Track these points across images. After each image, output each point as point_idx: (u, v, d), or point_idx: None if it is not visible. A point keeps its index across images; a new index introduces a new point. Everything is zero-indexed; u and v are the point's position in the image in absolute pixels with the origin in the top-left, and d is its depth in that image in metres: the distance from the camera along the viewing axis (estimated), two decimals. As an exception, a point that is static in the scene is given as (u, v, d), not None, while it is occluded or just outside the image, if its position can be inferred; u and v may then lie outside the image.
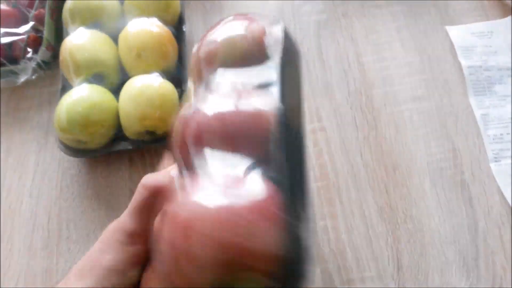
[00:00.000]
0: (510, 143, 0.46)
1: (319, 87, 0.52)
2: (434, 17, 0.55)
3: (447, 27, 0.54)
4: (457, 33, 0.53)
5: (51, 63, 0.55)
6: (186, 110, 0.26)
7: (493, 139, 0.47)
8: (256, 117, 0.24)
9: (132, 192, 0.31)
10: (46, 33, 0.54)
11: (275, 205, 0.21)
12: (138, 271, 0.25)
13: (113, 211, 0.47)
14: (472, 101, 0.49)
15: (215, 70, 0.28)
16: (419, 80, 0.51)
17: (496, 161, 0.45)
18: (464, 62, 0.51)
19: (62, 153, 0.48)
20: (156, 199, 0.25)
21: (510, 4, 0.52)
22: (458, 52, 0.51)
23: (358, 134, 0.48)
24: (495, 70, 0.50)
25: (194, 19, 0.58)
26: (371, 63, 0.52)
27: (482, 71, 0.50)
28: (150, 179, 0.26)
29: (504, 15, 0.54)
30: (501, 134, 0.47)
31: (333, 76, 0.52)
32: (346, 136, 0.48)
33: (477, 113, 0.48)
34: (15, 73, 0.53)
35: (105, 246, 0.25)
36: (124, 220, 0.25)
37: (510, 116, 0.47)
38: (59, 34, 0.54)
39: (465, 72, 0.50)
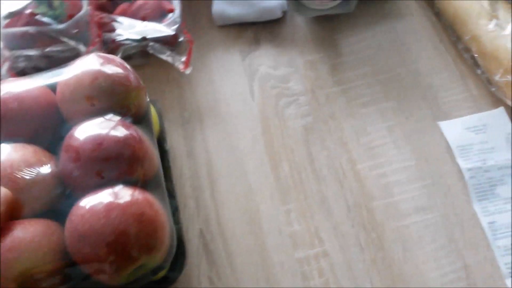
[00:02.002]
0: (522, 254, 0.44)
1: (316, 203, 0.49)
2: (425, 112, 0.53)
3: (440, 123, 0.52)
4: (451, 129, 0.51)
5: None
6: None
7: (504, 250, 0.44)
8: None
9: None
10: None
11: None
12: None
13: None
14: (477, 208, 0.47)
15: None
16: (419, 187, 0.49)
17: (511, 277, 0.43)
18: (463, 164, 0.49)
19: None
20: None
21: (503, 92, 0.51)
22: (455, 152, 0.50)
23: (365, 256, 0.46)
24: (495, 170, 0.48)
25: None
26: (367, 171, 0.50)
27: (482, 172, 0.48)
28: None
29: (495, 105, 0.52)
30: (512, 244, 0.45)
31: (328, 189, 0.50)
32: (352, 259, 0.46)
33: (483, 222, 0.46)
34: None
35: None
36: None
37: (518, 222, 0.46)
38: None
39: (465, 175, 0.48)
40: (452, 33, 0.57)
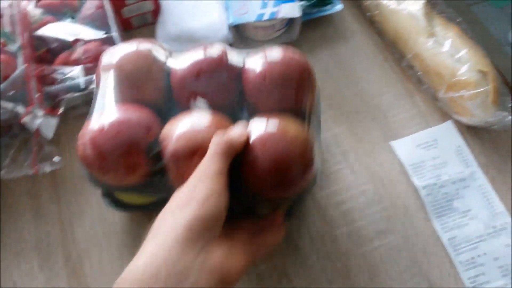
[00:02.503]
0: (484, 266, 0.45)
1: (280, 238, 0.48)
2: (376, 134, 0.54)
3: (391, 143, 0.52)
4: (403, 148, 0.52)
5: None
6: None
7: (466, 265, 0.45)
8: None
9: None
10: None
11: None
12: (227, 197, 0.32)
13: None
14: (436, 225, 0.47)
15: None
16: (379, 211, 0.49)
17: (475, 291, 0.44)
18: (417, 182, 0.49)
19: None
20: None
21: (448, 107, 0.52)
22: (409, 171, 0.50)
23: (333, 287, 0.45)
24: (450, 185, 0.49)
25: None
26: (326, 199, 0.50)
27: (437, 188, 0.49)
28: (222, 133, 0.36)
29: (444, 119, 0.53)
30: (473, 258, 0.45)
31: (292, 221, 0.49)
32: (320, 292, 0.45)
33: (444, 238, 0.47)
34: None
35: (198, 181, 0.32)
36: (208, 164, 0.33)
37: (477, 235, 0.46)
38: None
39: (421, 193, 0.49)
40: (395, 51, 0.58)
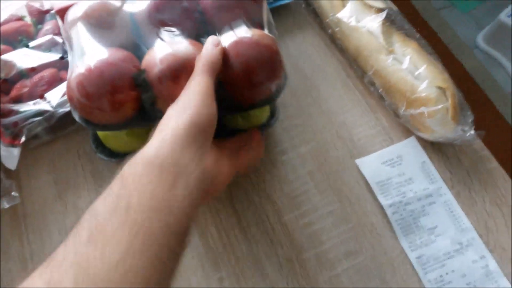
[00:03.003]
0: (452, 284, 0.45)
1: (248, 264, 0.48)
2: (342, 152, 0.53)
3: (357, 161, 0.52)
4: (368, 166, 0.52)
5: None
6: None
7: (435, 283, 0.45)
8: None
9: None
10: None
11: None
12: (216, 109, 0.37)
13: None
14: (403, 243, 0.47)
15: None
16: (346, 231, 0.48)
17: (444, 309, 0.44)
18: (383, 201, 0.49)
19: None
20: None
21: (410, 124, 0.52)
22: (375, 189, 0.50)
23: (302, 314, 0.45)
24: (415, 202, 0.49)
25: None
26: (294, 221, 0.49)
27: (403, 206, 0.49)
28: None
29: (407, 135, 0.53)
30: (441, 276, 0.45)
31: (259, 247, 0.48)
32: (290, 319, 0.45)
33: (412, 257, 0.46)
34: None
35: (191, 95, 0.37)
36: (197, 81, 0.38)
37: (444, 252, 0.46)
38: None
39: (388, 211, 0.49)
40: (357, 68, 0.58)
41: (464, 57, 1.02)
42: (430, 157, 0.52)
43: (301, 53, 0.62)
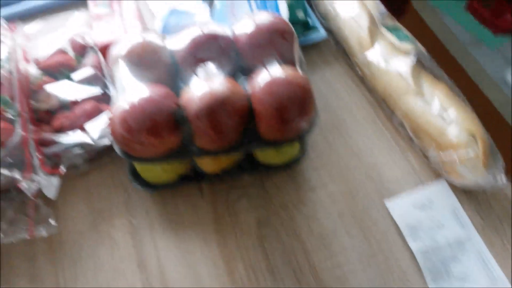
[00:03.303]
0: (483, 334, 0.44)
1: (275, 304, 0.48)
2: (371, 192, 0.54)
3: (387, 202, 0.52)
4: (398, 208, 0.52)
5: None
6: None
7: (465, 332, 0.44)
8: None
9: None
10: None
11: None
12: None
13: None
14: (433, 289, 0.47)
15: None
16: (374, 275, 0.48)
17: None
18: (413, 245, 0.49)
19: None
20: None
21: (440, 167, 0.52)
22: (405, 232, 0.50)
23: None
24: (446, 247, 0.49)
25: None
26: (322, 262, 0.50)
27: (434, 251, 0.49)
28: None
29: (438, 178, 0.54)
30: (472, 325, 0.45)
31: (286, 287, 0.49)
32: None
33: (442, 304, 0.46)
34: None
35: None
36: None
37: (474, 301, 0.46)
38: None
39: (418, 257, 0.49)
40: (386, 108, 0.58)
41: (492, 93, 1.02)
42: (460, 202, 0.52)
43: (329, 90, 0.63)
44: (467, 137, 0.48)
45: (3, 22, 0.64)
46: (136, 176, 0.54)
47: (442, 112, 0.51)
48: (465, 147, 0.48)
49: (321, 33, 0.65)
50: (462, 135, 0.49)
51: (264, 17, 0.51)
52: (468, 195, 0.52)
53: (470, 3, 1.62)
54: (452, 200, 0.52)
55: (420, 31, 0.66)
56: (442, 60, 0.58)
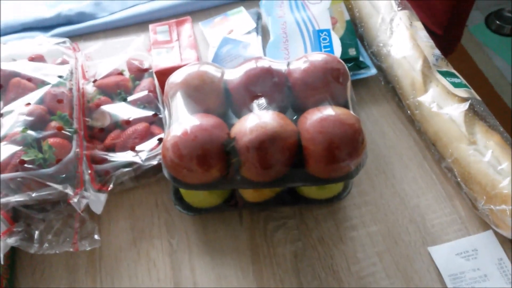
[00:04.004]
0: None
1: None
2: (414, 237, 0.53)
3: (429, 249, 0.51)
4: (441, 255, 0.50)
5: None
6: None
7: None
8: None
9: None
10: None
11: None
12: None
13: None
14: None
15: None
16: (413, 322, 0.47)
17: None
18: (456, 295, 0.48)
19: None
20: None
21: (489, 218, 0.51)
22: (447, 281, 0.49)
23: None
24: (490, 301, 0.47)
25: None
26: (359, 303, 0.49)
27: (477, 304, 0.47)
28: None
29: (484, 228, 0.52)
30: None
31: (321, 325, 0.48)
32: None
33: None
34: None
35: None
36: None
37: None
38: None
39: (460, 308, 0.47)
40: (434, 152, 0.58)
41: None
42: (508, 255, 0.50)
43: (376, 128, 0.63)
44: (520, 190, 0.47)
45: (68, 42, 0.67)
46: (179, 198, 0.56)
47: (495, 164, 0.50)
48: (517, 200, 0.46)
49: (372, 70, 0.66)
50: (515, 188, 0.47)
51: (319, 56, 0.52)
52: (516, 248, 0.50)
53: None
54: (498, 252, 0.50)
55: (467, 69, 0.65)
56: (488, 97, 0.57)
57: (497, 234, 0.51)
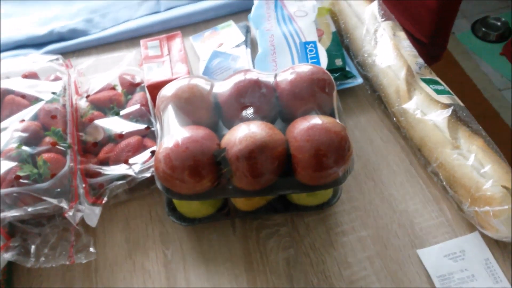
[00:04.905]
0: None
1: None
2: (403, 240, 0.54)
3: (418, 251, 0.52)
4: (429, 257, 0.52)
5: None
6: None
7: None
8: None
9: None
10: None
11: None
12: None
13: None
14: None
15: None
16: (404, 324, 0.48)
17: None
18: (445, 296, 0.49)
19: None
20: None
21: (474, 220, 0.52)
22: (436, 283, 0.50)
23: None
24: (478, 301, 0.48)
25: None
26: (351, 307, 0.50)
27: (465, 304, 0.48)
28: None
29: (471, 230, 0.53)
30: None
31: (314, 329, 0.49)
32: None
33: None
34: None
35: None
36: None
37: None
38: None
39: (449, 308, 0.48)
40: (420, 157, 0.59)
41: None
42: (494, 255, 0.51)
43: (364, 136, 0.64)
44: (503, 192, 0.48)
45: (60, 58, 0.69)
46: (172, 209, 0.57)
47: (478, 167, 0.51)
48: (500, 202, 0.48)
49: (358, 79, 0.68)
50: (498, 189, 0.49)
51: (306, 67, 0.54)
52: (502, 248, 0.52)
53: (506, 47, 1.62)
54: (485, 252, 0.51)
55: (455, 76, 0.67)
56: (476, 102, 0.58)
57: (483, 235, 0.53)
